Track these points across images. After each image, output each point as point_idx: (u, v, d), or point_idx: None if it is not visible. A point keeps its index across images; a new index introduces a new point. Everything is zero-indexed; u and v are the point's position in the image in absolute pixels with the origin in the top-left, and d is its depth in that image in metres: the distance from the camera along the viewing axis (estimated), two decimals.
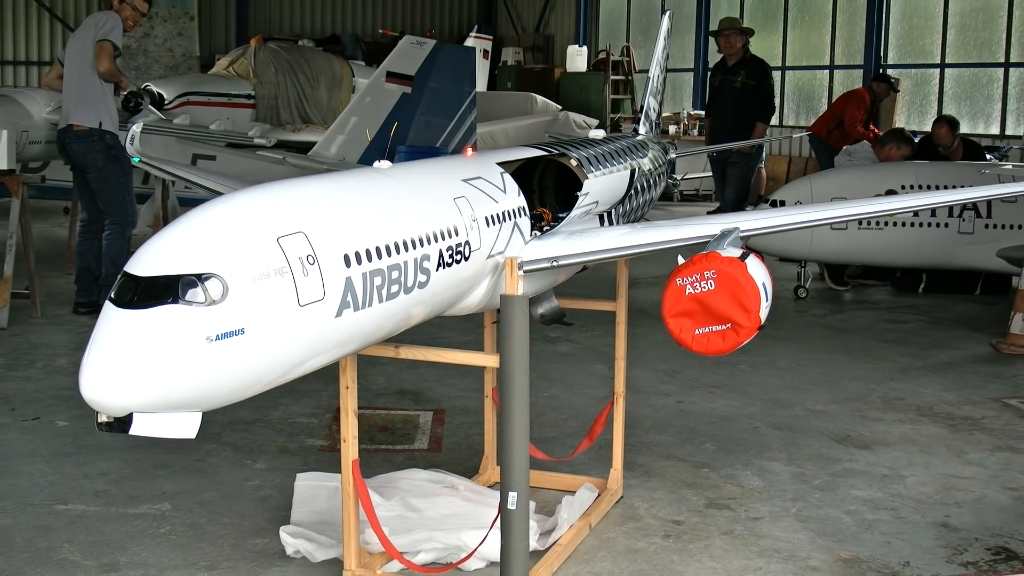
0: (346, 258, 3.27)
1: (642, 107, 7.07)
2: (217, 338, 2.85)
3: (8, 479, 5.67)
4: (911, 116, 18.45)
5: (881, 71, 17.44)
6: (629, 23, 25.44)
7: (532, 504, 4.85)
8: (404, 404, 7.20)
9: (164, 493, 5.49)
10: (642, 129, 7.04)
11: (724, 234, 4.26)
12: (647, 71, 8.29)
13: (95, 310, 9.45)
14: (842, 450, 6.37)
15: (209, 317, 2.86)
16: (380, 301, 3.40)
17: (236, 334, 2.89)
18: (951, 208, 10.64)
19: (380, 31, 24.26)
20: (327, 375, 4.38)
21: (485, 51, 24.45)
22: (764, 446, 6.42)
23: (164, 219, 12.32)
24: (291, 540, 4.71)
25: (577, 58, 24.79)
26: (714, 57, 22.44)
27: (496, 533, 4.35)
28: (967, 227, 10.61)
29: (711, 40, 16.57)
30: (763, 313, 4.03)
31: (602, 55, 24.10)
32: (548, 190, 5.42)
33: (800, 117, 20.95)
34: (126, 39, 10.11)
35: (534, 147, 5.01)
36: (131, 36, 23.44)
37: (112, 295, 2.91)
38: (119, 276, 2.94)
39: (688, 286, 4.03)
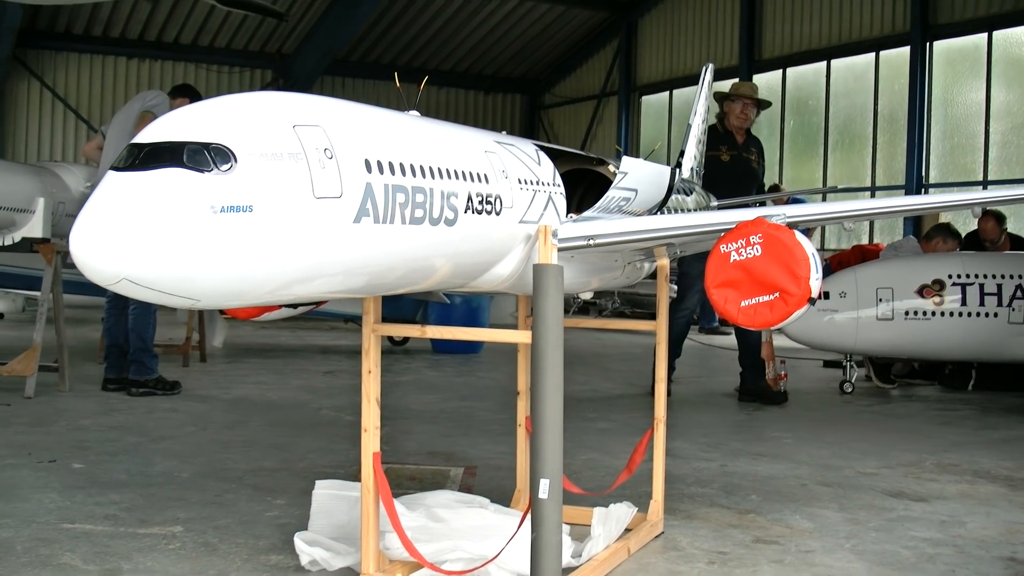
0: (367, 163, 3.07)
1: (682, 152, 6.92)
2: (223, 210, 2.63)
3: (15, 503, 5.41)
4: None
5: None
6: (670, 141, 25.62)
7: (566, 527, 4.54)
8: (435, 462, 6.90)
9: (177, 519, 5.20)
10: (685, 174, 6.87)
11: (770, 216, 4.03)
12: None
13: (123, 387, 9.29)
14: (896, 502, 6.00)
15: (215, 184, 2.65)
16: (403, 222, 3.18)
17: (244, 210, 2.67)
18: (1000, 298, 10.36)
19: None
20: (355, 432, 4.18)
21: None
22: (813, 498, 6.06)
23: (200, 318, 12.21)
24: (306, 548, 4.41)
25: None
26: None
27: (526, 544, 4.04)
28: (1017, 317, 10.29)
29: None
30: (813, 283, 3.78)
31: None
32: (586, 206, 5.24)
33: (842, 241, 20.77)
34: None
35: (575, 151, 4.86)
36: None
37: (114, 165, 2.72)
38: (126, 148, 2.75)
39: (733, 252, 3.80)
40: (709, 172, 9.49)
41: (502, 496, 5.77)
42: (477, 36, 27.60)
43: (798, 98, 22.18)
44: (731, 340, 17.40)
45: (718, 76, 23.21)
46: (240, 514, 5.33)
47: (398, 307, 13.94)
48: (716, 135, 10.06)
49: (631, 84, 26.84)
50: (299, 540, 4.44)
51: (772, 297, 3.77)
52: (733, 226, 4.10)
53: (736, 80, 10.71)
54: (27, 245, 9.33)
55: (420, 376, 11.69)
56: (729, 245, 3.80)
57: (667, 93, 25.70)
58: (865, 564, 4.75)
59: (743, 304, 3.81)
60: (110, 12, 24.14)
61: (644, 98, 26.65)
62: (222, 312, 14.98)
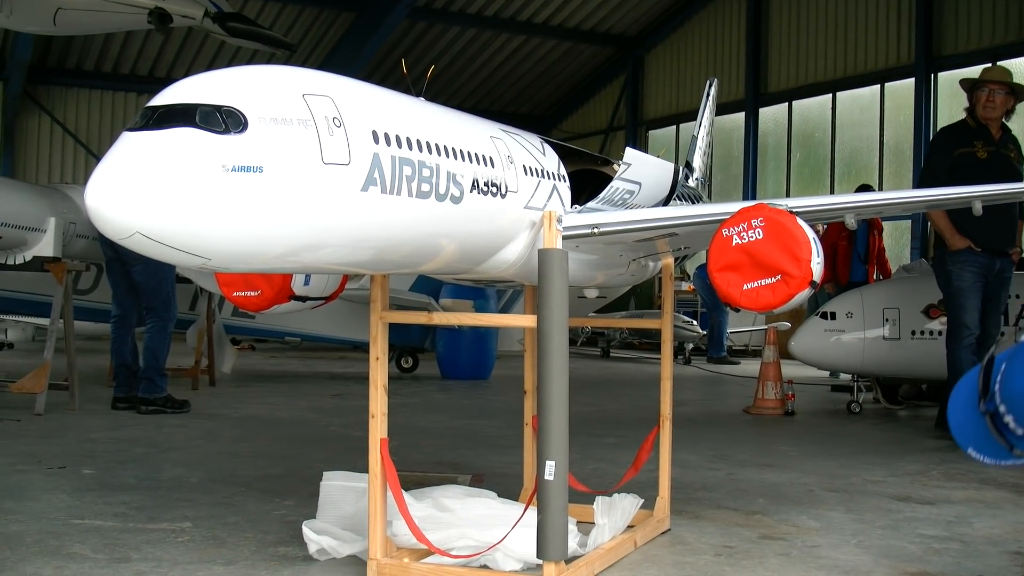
0: (375, 135, 3.13)
1: (688, 163, 6.97)
2: (234, 169, 2.71)
3: (25, 503, 5.45)
4: None
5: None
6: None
7: (572, 520, 4.56)
8: (442, 470, 6.92)
9: (186, 516, 5.23)
10: (691, 184, 6.92)
11: (772, 202, 4.08)
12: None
13: (133, 405, 9.33)
14: (903, 505, 6.00)
15: (226, 145, 2.73)
16: (409, 195, 3.24)
17: (254, 170, 2.74)
18: (1006, 316, 10.38)
19: None
20: (363, 445, 4.23)
21: None
22: (820, 502, 6.07)
23: (209, 343, 12.29)
24: (314, 536, 4.43)
25: None
26: None
27: (532, 530, 4.06)
28: None
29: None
30: (815, 266, 3.82)
31: None
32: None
33: None
34: None
35: (580, 149, 4.93)
36: None
37: (129, 126, 2.80)
38: (139, 111, 2.84)
39: (735, 236, 3.84)
40: (964, 171, 8.38)
41: (509, 498, 5.80)
42: (484, 72, 27.81)
43: (804, 130, 22.30)
44: (740, 368, 17.44)
45: (723, 110, 23.54)
46: (248, 513, 5.36)
47: (407, 334, 14.01)
48: (968, 130, 8.79)
49: (638, 119, 27.01)
50: (307, 529, 4.47)
51: (774, 280, 3.81)
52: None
53: (988, 65, 9.43)
54: (38, 264, 9.39)
55: (428, 398, 11.73)
56: (731, 229, 3.85)
57: (674, 127, 25.85)
58: (872, 557, 4.76)
59: (745, 287, 3.85)
60: (120, 49, 24.42)
61: (651, 132, 26.82)
62: (234, 341, 15.10)
